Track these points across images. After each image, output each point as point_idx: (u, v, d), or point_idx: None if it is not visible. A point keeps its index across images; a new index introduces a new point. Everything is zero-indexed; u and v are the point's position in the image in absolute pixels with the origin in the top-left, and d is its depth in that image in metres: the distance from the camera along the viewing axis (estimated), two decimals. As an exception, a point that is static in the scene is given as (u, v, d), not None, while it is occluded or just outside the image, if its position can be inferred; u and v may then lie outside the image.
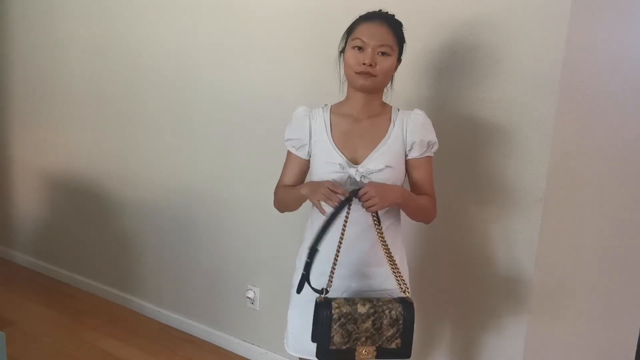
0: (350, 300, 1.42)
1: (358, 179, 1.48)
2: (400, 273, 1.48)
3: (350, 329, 1.39)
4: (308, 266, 1.45)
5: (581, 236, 2.01)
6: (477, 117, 1.87)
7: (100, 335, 2.77)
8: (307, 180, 1.62)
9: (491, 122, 1.85)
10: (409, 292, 1.48)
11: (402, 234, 1.62)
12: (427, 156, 1.55)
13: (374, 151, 1.50)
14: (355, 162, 1.50)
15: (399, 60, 1.53)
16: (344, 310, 1.39)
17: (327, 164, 1.50)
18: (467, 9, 1.85)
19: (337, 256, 1.44)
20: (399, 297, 1.46)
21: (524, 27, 1.75)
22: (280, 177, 1.66)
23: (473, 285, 1.95)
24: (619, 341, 2.35)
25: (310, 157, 1.58)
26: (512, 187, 1.83)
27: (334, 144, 1.51)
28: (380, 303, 1.42)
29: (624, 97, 2.06)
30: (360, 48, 1.46)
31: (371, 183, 1.44)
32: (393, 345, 1.42)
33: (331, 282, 1.44)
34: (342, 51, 1.54)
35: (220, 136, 2.61)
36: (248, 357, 2.61)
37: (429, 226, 2.01)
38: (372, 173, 1.47)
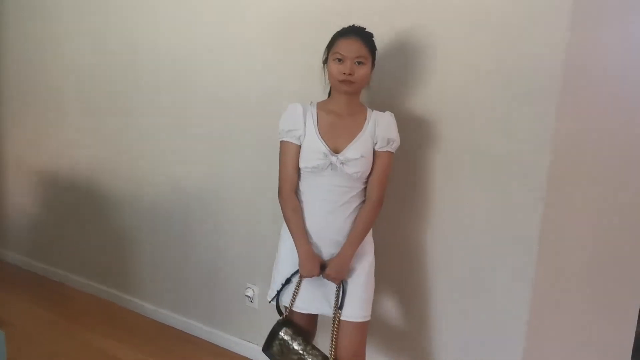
0: (295, 337, 1.88)
1: (338, 165, 1.77)
2: (341, 293, 1.83)
3: (284, 350, 1.88)
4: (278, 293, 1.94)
5: (581, 234, 2.01)
6: (478, 115, 1.87)
7: (97, 336, 2.74)
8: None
9: (492, 121, 1.84)
10: (340, 313, 1.82)
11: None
12: (388, 151, 1.83)
13: (351, 143, 1.80)
14: (336, 151, 1.80)
15: (373, 65, 1.81)
16: (285, 338, 1.88)
17: (313, 152, 1.79)
18: (466, 10, 1.84)
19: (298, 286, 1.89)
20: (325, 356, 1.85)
21: (525, 27, 1.74)
22: (284, 169, 1.87)
23: (473, 283, 1.94)
24: (616, 338, 2.36)
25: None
26: (513, 185, 1.82)
27: (319, 136, 1.80)
28: (309, 351, 1.85)
29: (624, 97, 2.07)
30: (340, 60, 1.76)
31: (330, 267, 1.81)
32: None
33: (293, 302, 1.89)
34: (325, 62, 1.83)
35: (217, 134, 2.58)
36: (247, 356, 2.60)
37: (427, 223, 2.02)
38: (349, 161, 1.77)
